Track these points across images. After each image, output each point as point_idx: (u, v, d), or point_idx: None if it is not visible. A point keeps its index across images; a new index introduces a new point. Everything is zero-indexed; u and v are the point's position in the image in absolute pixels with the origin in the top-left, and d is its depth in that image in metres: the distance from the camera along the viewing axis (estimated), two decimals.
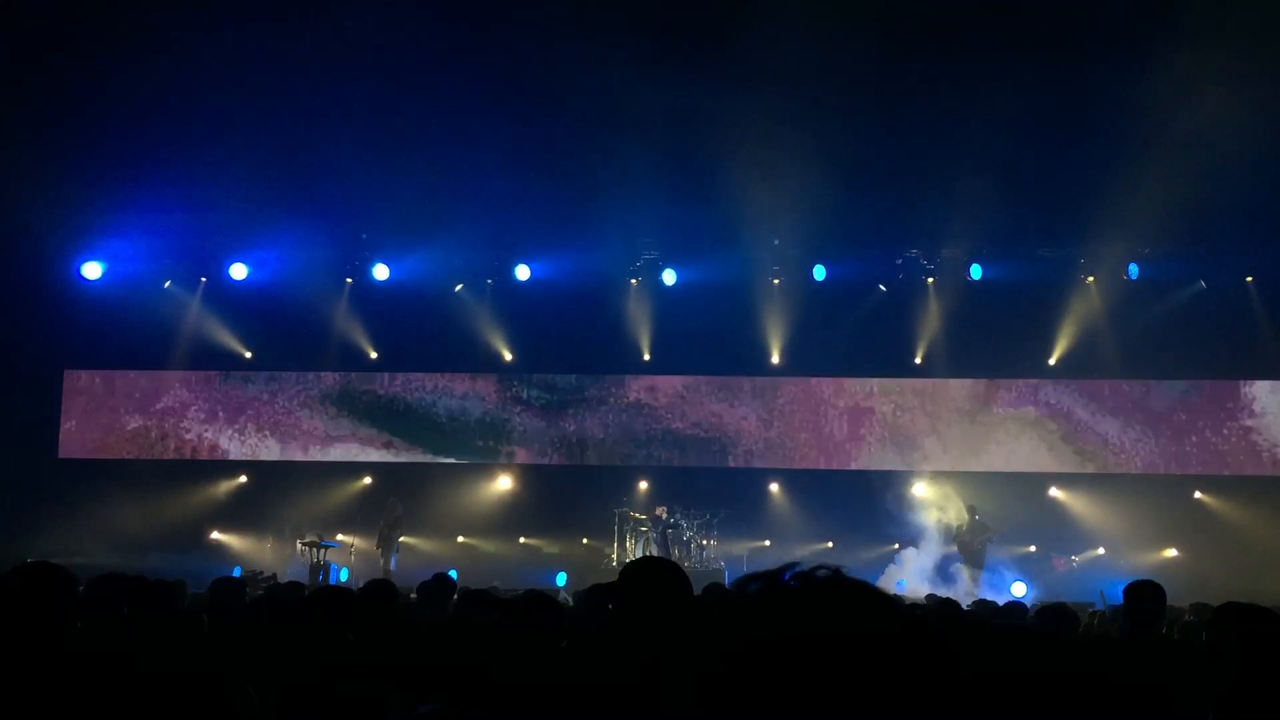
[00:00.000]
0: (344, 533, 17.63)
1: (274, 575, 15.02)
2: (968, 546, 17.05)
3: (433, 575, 7.21)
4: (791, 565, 1.37)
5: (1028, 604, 11.36)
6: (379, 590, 4.60)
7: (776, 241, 17.69)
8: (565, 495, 18.68)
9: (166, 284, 18.75)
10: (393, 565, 16.94)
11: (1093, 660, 3.33)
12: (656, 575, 2.94)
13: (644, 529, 17.66)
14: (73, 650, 3.46)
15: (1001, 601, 9.03)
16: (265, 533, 18.17)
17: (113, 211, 17.48)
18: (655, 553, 16.89)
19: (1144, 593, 5.57)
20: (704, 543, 17.51)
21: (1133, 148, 14.39)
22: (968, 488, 18.09)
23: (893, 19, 13.54)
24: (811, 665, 1.24)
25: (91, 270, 18.33)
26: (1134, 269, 17.77)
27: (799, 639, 1.26)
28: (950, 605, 7.84)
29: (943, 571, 17.00)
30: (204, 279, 18.77)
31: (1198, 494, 18.33)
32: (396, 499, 17.64)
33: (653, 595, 2.82)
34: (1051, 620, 6.49)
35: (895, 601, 1.33)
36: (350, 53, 14.09)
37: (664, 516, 17.32)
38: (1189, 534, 17.75)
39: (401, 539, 17.65)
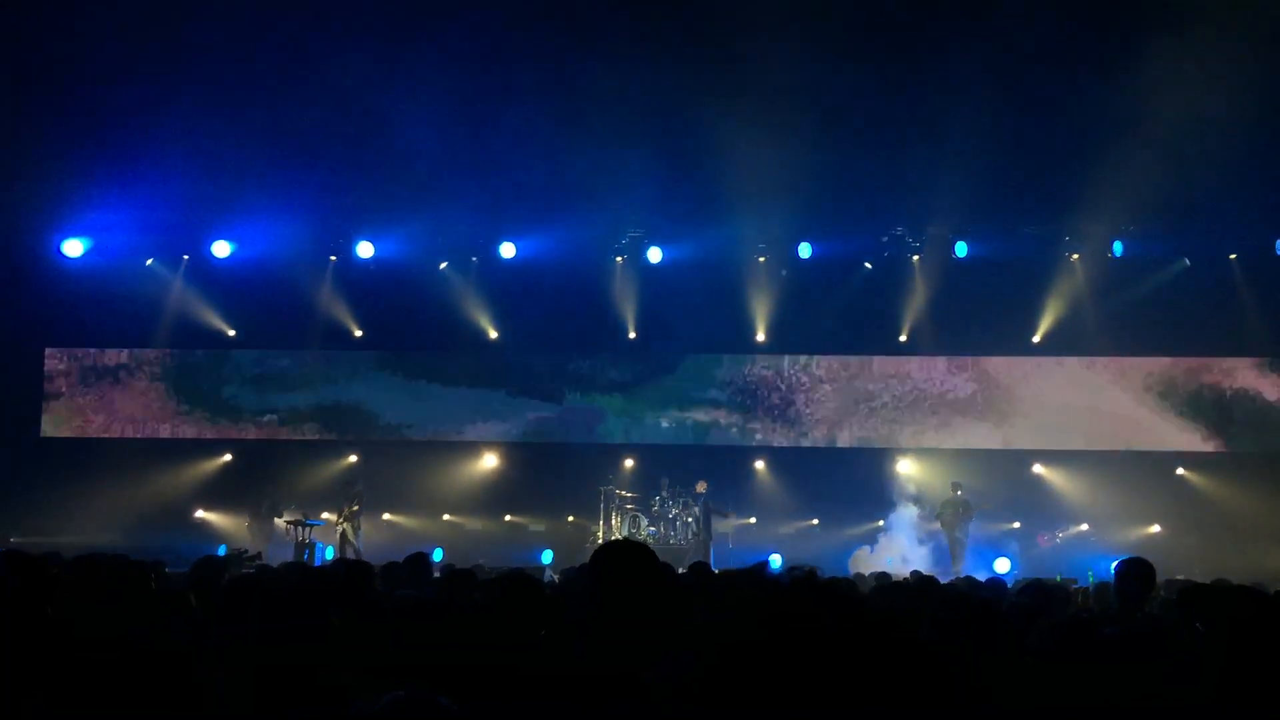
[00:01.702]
0: (327, 511, 17.55)
1: (259, 554, 14.97)
2: (950, 523, 17.14)
3: (405, 557, 7.19)
4: (762, 565, 1.38)
5: (1011, 580, 11.47)
6: (356, 572, 4.58)
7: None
8: (551, 473, 18.68)
9: (149, 262, 18.61)
10: (359, 544, 16.91)
11: (1075, 642, 3.34)
12: (629, 560, 2.92)
13: (630, 506, 17.71)
14: (52, 635, 3.44)
15: (984, 578, 9.07)
16: (245, 511, 18.10)
17: (94, 189, 17.31)
18: (696, 529, 16.99)
19: (1134, 570, 5.57)
20: (689, 520, 17.55)
21: (1117, 126, 14.39)
22: (952, 464, 18.17)
23: (879, 2, 13.52)
24: (796, 661, 1.25)
25: (72, 248, 18.18)
26: (1118, 246, 17.80)
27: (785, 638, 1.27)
28: (931, 582, 7.90)
29: (926, 547, 17.08)
30: (186, 256, 18.65)
31: (1180, 470, 18.44)
32: (358, 475, 17.56)
33: (627, 581, 2.80)
34: (1033, 597, 6.53)
35: (866, 602, 1.34)
36: (334, 29, 13.99)
37: (703, 491, 17.36)
38: (1172, 510, 17.88)
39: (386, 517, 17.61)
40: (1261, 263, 17.73)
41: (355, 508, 17.24)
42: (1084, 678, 2.86)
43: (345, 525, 16.96)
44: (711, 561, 16.30)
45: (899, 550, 16.88)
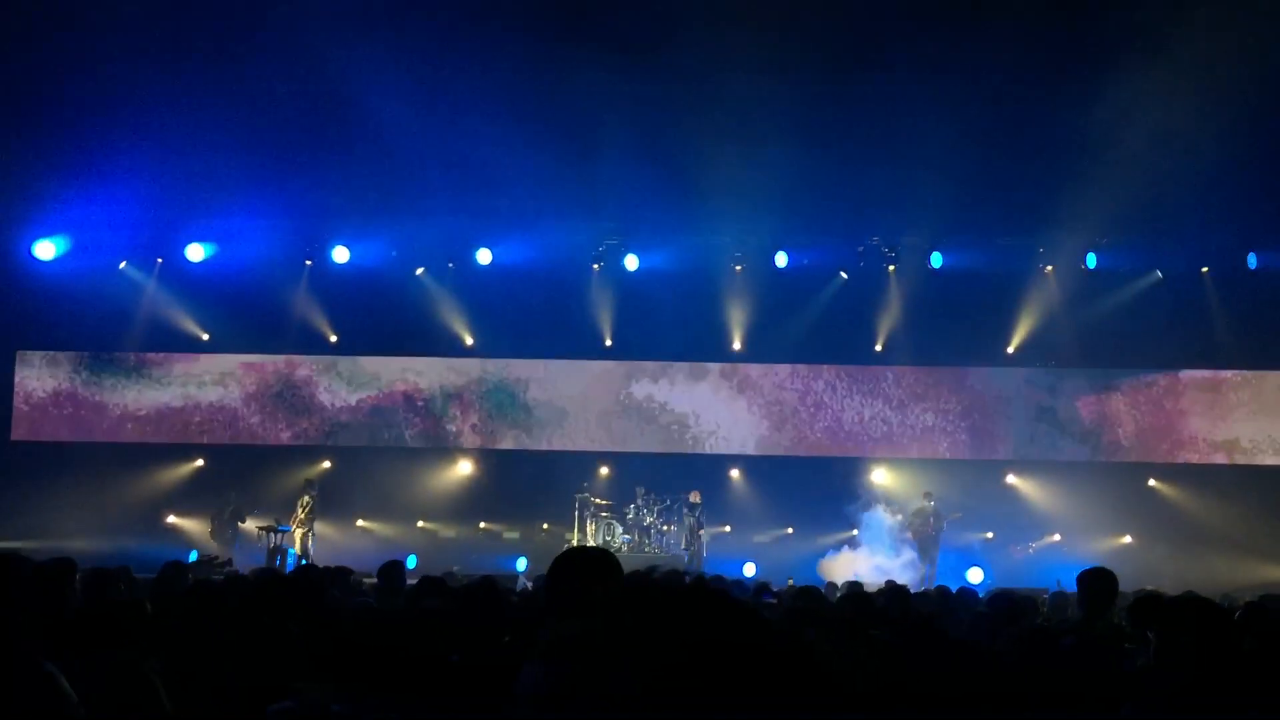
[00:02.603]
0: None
1: (229, 560, 14.88)
2: (922, 533, 17.22)
3: (380, 565, 7.15)
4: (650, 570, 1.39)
5: (986, 589, 11.51)
6: (311, 578, 4.55)
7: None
8: (526, 480, 18.62)
9: (122, 265, 18.46)
10: (309, 549, 16.68)
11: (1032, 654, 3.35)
12: (587, 565, 2.90)
13: (605, 514, 17.67)
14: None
15: (956, 588, 9.12)
16: (207, 516, 17.94)
17: (67, 191, 17.15)
18: (689, 538, 17.04)
19: (1096, 580, 5.59)
20: (665, 529, 17.53)
21: (1092, 140, 14.50)
22: (926, 474, 18.24)
23: (857, 12, 13.56)
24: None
25: (45, 250, 18.00)
26: (1092, 259, 17.92)
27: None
28: (902, 592, 7.95)
29: (900, 556, 17.13)
30: (160, 260, 18.50)
31: (1152, 481, 18.58)
32: (312, 482, 17.33)
33: (582, 585, 2.78)
34: (1002, 607, 6.56)
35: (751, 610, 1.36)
36: (310, 34, 13.91)
37: (697, 500, 17.35)
38: (1144, 521, 18.01)
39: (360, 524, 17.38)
40: (1233, 276, 17.87)
41: (302, 515, 16.87)
42: (1042, 686, 2.87)
43: (298, 532, 16.69)
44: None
45: (873, 559, 16.94)
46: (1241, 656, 3.07)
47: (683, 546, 17.18)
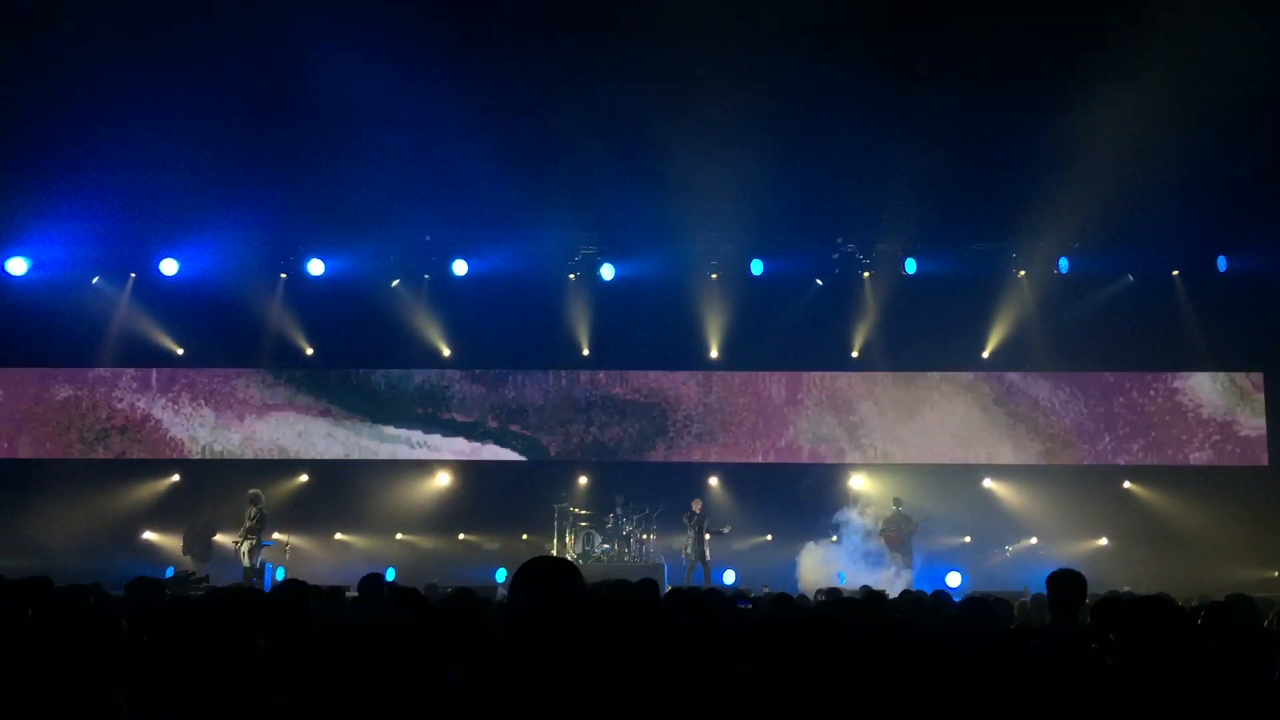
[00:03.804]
0: (277, 531, 17.27)
1: (205, 576, 14.79)
2: (893, 538, 17.29)
3: (360, 578, 7.14)
4: None
5: (965, 594, 11.57)
6: (292, 593, 4.54)
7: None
8: (505, 491, 18.59)
9: (95, 280, 18.32)
10: (255, 564, 16.28)
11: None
12: (551, 574, 2.91)
13: (584, 524, 17.66)
14: None
15: (932, 592, 9.17)
16: (180, 531, 17.75)
17: (38, 205, 17.03)
18: (692, 548, 17.02)
19: (1065, 581, 5.63)
20: (644, 537, 17.52)
21: (1063, 146, 14.61)
22: (905, 480, 18.31)
23: (829, 21, 13.66)
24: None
25: (16, 266, 17.86)
26: (1064, 263, 18.06)
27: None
28: (879, 597, 8.02)
29: (877, 562, 17.18)
30: (134, 274, 18.37)
31: (1127, 484, 18.72)
32: (258, 492, 16.78)
33: (543, 594, 2.79)
34: (976, 609, 6.61)
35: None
36: (283, 45, 13.89)
37: (699, 510, 17.32)
38: (1119, 523, 18.14)
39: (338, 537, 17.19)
40: (1203, 279, 18.04)
41: (249, 524, 16.31)
42: (1007, 684, 2.90)
43: (244, 544, 16.40)
44: (698, 580, 16.39)
45: (849, 565, 16.97)
46: (1203, 656, 3.11)
47: (684, 555, 17.18)
